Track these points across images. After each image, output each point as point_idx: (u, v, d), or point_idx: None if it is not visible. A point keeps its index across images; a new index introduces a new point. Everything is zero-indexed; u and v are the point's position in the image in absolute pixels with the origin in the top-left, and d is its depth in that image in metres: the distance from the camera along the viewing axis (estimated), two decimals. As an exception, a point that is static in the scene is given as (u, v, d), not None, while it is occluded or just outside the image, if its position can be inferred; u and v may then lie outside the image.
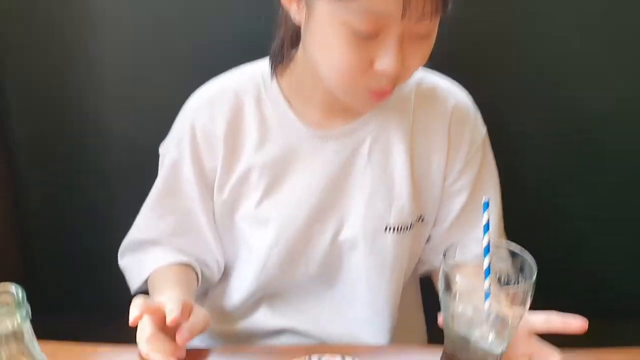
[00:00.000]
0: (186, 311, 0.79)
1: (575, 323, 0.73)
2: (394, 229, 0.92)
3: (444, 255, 0.70)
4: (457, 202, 0.95)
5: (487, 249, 0.71)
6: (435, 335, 0.83)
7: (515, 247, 0.72)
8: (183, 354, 0.76)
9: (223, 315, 1.01)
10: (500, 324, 0.70)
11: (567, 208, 1.19)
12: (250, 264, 0.95)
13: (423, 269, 1.02)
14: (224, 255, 0.98)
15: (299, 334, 0.98)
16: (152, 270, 0.93)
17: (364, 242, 0.92)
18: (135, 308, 0.73)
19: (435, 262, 0.98)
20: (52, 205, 1.19)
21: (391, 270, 0.94)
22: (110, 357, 0.78)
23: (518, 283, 0.70)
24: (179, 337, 0.75)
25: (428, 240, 0.99)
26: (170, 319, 0.73)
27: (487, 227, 0.71)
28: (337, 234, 0.92)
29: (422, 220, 0.95)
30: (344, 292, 0.97)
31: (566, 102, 1.12)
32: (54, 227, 1.19)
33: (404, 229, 0.92)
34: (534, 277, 0.68)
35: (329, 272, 0.95)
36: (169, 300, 0.77)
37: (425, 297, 1.08)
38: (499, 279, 0.72)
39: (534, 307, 0.75)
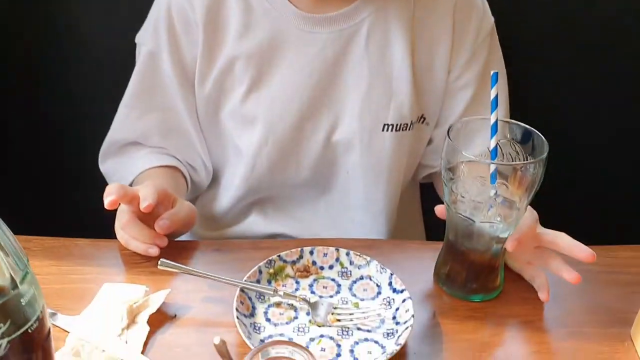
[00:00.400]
0: (166, 200, 0.73)
1: (582, 252, 0.66)
2: (392, 128, 0.85)
3: (448, 131, 0.65)
4: (462, 100, 0.88)
5: (494, 128, 0.64)
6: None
7: (526, 126, 0.66)
8: (164, 241, 0.70)
9: (213, 221, 0.95)
10: (507, 207, 0.65)
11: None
12: (238, 166, 0.88)
13: (424, 174, 0.95)
14: (211, 159, 0.92)
15: (292, 239, 0.93)
16: (136, 174, 0.87)
17: (360, 142, 0.85)
18: (111, 194, 0.68)
19: (438, 164, 0.92)
20: (30, 102, 1.11)
21: (389, 173, 0.88)
22: (88, 250, 0.73)
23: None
24: (157, 224, 0.70)
25: (429, 142, 0.92)
26: (144, 205, 0.67)
27: (495, 103, 0.64)
28: (330, 133, 0.85)
29: (424, 121, 0.88)
30: (339, 197, 0.91)
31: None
32: (29, 123, 1.12)
33: (403, 128, 0.86)
34: (545, 154, 0.62)
35: (323, 176, 0.89)
36: (144, 187, 0.71)
37: (425, 205, 1.03)
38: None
39: (539, 209, 0.71)
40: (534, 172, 0.63)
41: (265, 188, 0.90)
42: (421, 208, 1.03)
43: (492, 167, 0.63)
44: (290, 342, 0.53)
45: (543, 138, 0.63)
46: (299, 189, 0.90)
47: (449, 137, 0.64)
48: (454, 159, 0.64)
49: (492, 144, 0.64)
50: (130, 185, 0.87)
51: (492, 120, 0.64)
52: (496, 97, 0.64)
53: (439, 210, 0.72)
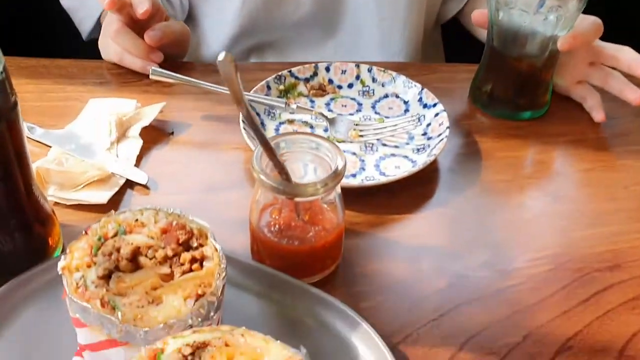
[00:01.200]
0: (159, 14, 0.62)
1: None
2: None
3: None
4: None
5: None
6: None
7: None
8: (158, 56, 0.61)
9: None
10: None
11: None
12: (225, 0, 0.78)
13: (448, 13, 0.84)
14: None
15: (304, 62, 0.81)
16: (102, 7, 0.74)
17: None
18: None
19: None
20: None
21: (408, 6, 0.77)
22: (71, 70, 0.63)
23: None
24: (147, 34, 0.60)
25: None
26: (142, 10, 0.57)
27: None
28: None
29: None
30: (349, 37, 0.79)
31: None
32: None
33: None
34: None
35: (328, 10, 0.77)
36: None
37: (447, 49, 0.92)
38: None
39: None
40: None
41: (262, 29, 0.78)
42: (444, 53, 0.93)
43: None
44: (309, 133, 0.44)
45: None
46: (301, 29, 0.78)
47: None
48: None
49: None
50: (98, 23, 0.75)
51: None
52: None
53: (477, 16, 0.61)
